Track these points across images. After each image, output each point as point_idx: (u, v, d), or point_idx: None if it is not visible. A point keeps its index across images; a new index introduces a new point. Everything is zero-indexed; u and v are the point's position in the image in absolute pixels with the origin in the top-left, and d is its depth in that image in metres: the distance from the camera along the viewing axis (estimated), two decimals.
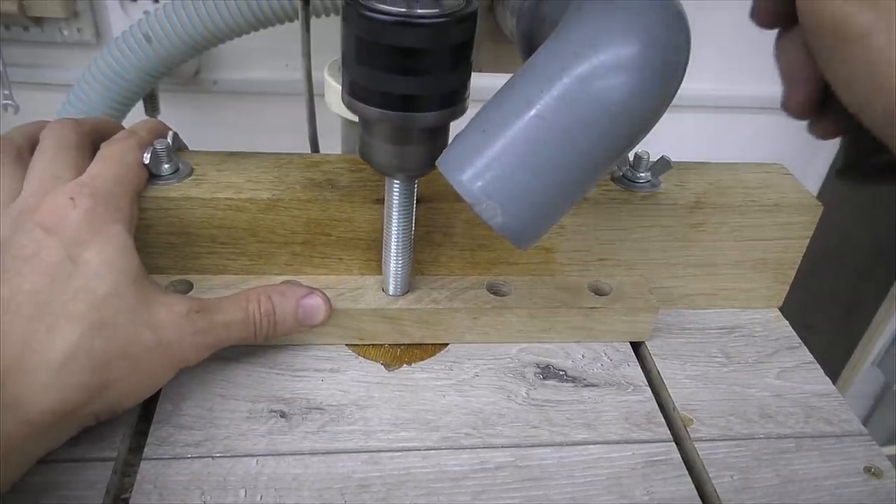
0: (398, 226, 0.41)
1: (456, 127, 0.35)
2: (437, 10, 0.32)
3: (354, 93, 0.35)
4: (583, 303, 0.45)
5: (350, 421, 0.40)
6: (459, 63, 0.34)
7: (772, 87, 0.31)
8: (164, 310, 0.36)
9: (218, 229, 0.43)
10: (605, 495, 0.37)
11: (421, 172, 0.39)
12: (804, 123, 0.32)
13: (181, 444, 0.38)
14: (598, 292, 0.46)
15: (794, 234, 0.48)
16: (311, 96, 0.53)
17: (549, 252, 0.47)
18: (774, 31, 0.31)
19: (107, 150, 0.40)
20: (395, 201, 0.40)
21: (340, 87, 0.36)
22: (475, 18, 0.33)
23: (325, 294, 0.42)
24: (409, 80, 0.33)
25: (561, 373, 0.44)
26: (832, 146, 0.98)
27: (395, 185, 0.40)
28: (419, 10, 0.32)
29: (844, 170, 0.32)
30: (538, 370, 0.44)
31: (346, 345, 0.45)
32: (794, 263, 0.50)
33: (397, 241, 0.42)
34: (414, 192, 0.40)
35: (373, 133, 0.37)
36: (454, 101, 0.35)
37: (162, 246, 0.43)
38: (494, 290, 0.46)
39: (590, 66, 0.29)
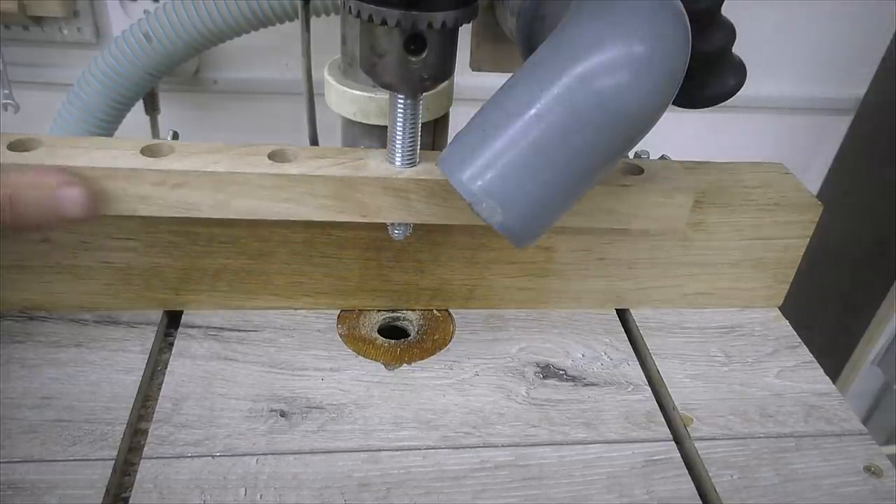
0: (402, 142, 0.38)
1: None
2: None
3: None
4: (615, 180, 0.41)
5: (350, 420, 0.40)
6: None
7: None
8: None
9: (218, 228, 0.43)
10: (605, 494, 0.37)
11: (430, 84, 0.36)
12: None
13: (181, 443, 0.38)
14: (631, 172, 0.42)
15: (794, 234, 0.48)
16: (311, 95, 0.53)
17: (549, 251, 0.47)
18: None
19: None
20: (398, 119, 0.38)
21: (340, 87, 0.35)
22: None
23: (87, 185, 0.36)
24: None
25: (561, 372, 0.44)
26: (832, 146, 0.99)
27: (399, 101, 0.37)
28: None
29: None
30: (538, 369, 0.44)
31: (346, 342, 0.45)
32: (794, 263, 0.50)
33: (403, 144, 0.39)
34: (419, 112, 0.38)
35: (379, 44, 0.34)
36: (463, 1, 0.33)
37: (163, 245, 0.43)
38: None
39: (591, 64, 0.29)
